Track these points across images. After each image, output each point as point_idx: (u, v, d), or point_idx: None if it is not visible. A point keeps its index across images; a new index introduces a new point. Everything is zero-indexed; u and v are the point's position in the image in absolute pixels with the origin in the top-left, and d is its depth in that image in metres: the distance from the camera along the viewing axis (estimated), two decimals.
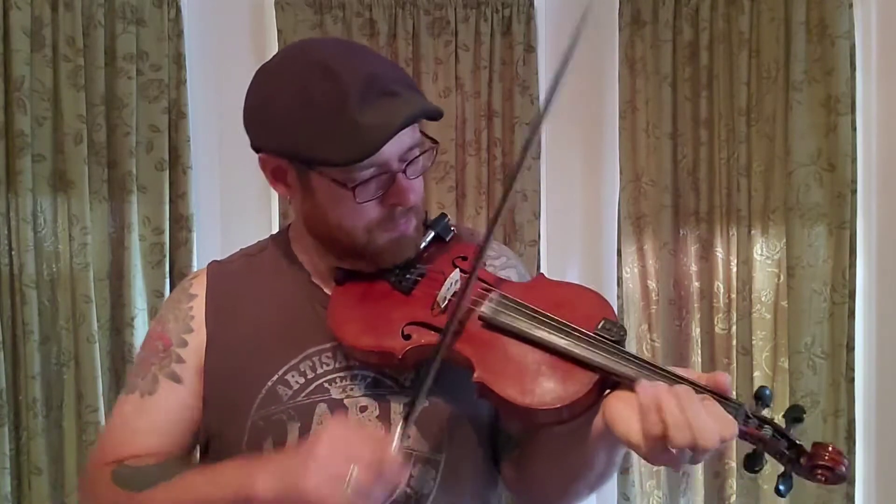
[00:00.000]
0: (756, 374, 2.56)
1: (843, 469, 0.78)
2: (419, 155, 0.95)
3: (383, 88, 0.88)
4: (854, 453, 2.45)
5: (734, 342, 2.60)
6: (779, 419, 0.81)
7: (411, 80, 0.95)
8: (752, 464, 0.80)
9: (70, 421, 2.48)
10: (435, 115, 0.92)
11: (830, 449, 0.78)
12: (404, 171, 0.93)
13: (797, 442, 0.80)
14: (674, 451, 0.75)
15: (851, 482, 2.44)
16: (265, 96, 0.93)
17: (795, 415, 0.81)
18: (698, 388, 0.80)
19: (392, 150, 0.89)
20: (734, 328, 2.60)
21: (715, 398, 0.79)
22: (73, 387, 2.48)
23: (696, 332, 2.67)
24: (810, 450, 0.79)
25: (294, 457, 0.83)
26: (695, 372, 0.84)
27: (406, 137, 0.91)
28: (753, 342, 2.56)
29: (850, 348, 2.44)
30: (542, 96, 2.76)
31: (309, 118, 0.88)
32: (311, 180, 0.94)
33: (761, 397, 0.82)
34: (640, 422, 0.78)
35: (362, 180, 0.90)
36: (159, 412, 1.00)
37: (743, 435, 0.79)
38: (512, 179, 0.99)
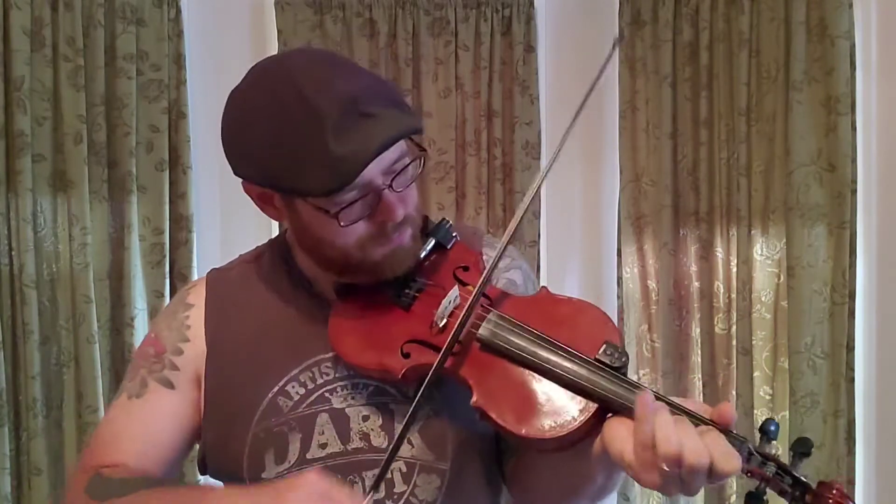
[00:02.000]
0: (756, 374, 2.56)
1: None
2: (407, 165, 0.92)
3: (359, 111, 0.85)
4: (854, 453, 2.45)
5: (734, 342, 2.60)
6: (785, 453, 0.78)
7: (392, 94, 0.91)
8: (753, 503, 0.77)
9: (70, 421, 2.48)
10: (414, 133, 0.89)
11: (835, 491, 0.75)
12: (391, 185, 0.90)
13: (802, 479, 0.77)
14: (664, 467, 0.73)
15: (851, 482, 2.44)
16: (240, 125, 0.90)
17: (803, 449, 0.78)
18: (702, 420, 0.78)
19: (374, 169, 0.86)
20: (734, 328, 2.60)
21: (719, 430, 0.77)
22: (73, 387, 2.47)
23: (696, 332, 2.67)
24: (816, 489, 0.76)
25: (264, 493, 0.81)
26: (699, 403, 0.81)
27: (388, 153, 0.87)
28: (753, 342, 2.56)
29: (850, 348, 2.44)
30: (543, 97, 2.76)
31: (283, 148, 0.85)
32: (296, 205, 0.92)
33: (766, 432, 0.78)
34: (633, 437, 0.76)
35: (346, 204, 0.88)
36: (146, 416, 0.98)
37: (745, 472, 0.77)
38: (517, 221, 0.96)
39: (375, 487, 0.85)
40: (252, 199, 0.97)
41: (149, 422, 0.98)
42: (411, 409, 0.84)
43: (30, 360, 2.42)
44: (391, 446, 0.84)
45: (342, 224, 0.89)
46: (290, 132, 0.85)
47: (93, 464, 0.96)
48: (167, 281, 2.58)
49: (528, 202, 0.95)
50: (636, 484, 2.68)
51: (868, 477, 2.50)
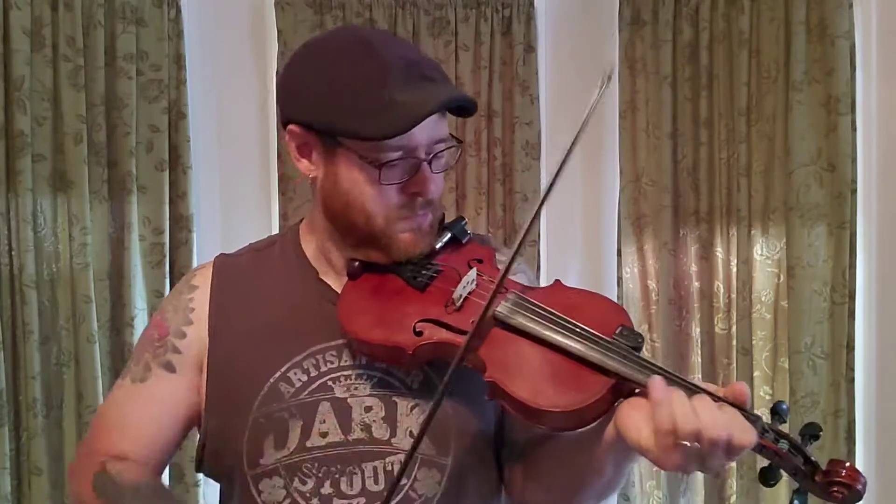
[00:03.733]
0: (756, 374, 2.56)
1: (860, 487, 0.77)
2: (445, 150, 0.95)
3: (424, 73, 0.91)
4: (854, 453, 2.45)
5: (734, 342, 2.60)
6: (795, 436, 0.80)
7: (446, 74, 0.97)
8: (767, 477, 0.79)
9: (70, 421, 2.48)
10: (470, 106, 0.94)
11: (847, 466, 0.77)
12: (429, 163, 0.93)
13: (813, 458, 0.79)
14: (685, 444, 0.74)
15: None
16: (307, 69, 0.94)
17: (812, 432, 0.80)
18: (716, 397, 0.79)
19: (422, 136, 0.91)
20: (734, 328, 2.60)
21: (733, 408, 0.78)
22: (73, 387, 2.47)
23: (696, 332, 2.67)
24: (826, 467, 0.78)
25: None
26: (713, 385, 0.82)
27: (436, 128, 0.92)
28: (753, 342, 2.56)
29: (850, 348, 2.44)
30: (543, 97, 2.76)
31: (347, 92, 0.89)
32: (337, 157, 0.94)
33: (778, 412, 0.81)
34: (651, 420, 0.77)
35: (388, 161, 0.91)
36: (148, 402, 1.01)
37: (759, 448, 0.78)
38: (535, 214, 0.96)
39: (392, 491, 0.88)
40: (291, 148, 0.99)
41: (152, 410, 1.01)
42: (439, 390, 0.85)
43: (30, 360, 2.42)
44: (413, 441, 0.86)
45: (382, 181, 0.91)
46: (357, 78, 0.89)
47: (98, 449, 1.00)
48: (167, 281, 2.58)
49: (537, 208, 0.97)
50: (636, 484, 2.68)
51: (868, 477, 2.49)
